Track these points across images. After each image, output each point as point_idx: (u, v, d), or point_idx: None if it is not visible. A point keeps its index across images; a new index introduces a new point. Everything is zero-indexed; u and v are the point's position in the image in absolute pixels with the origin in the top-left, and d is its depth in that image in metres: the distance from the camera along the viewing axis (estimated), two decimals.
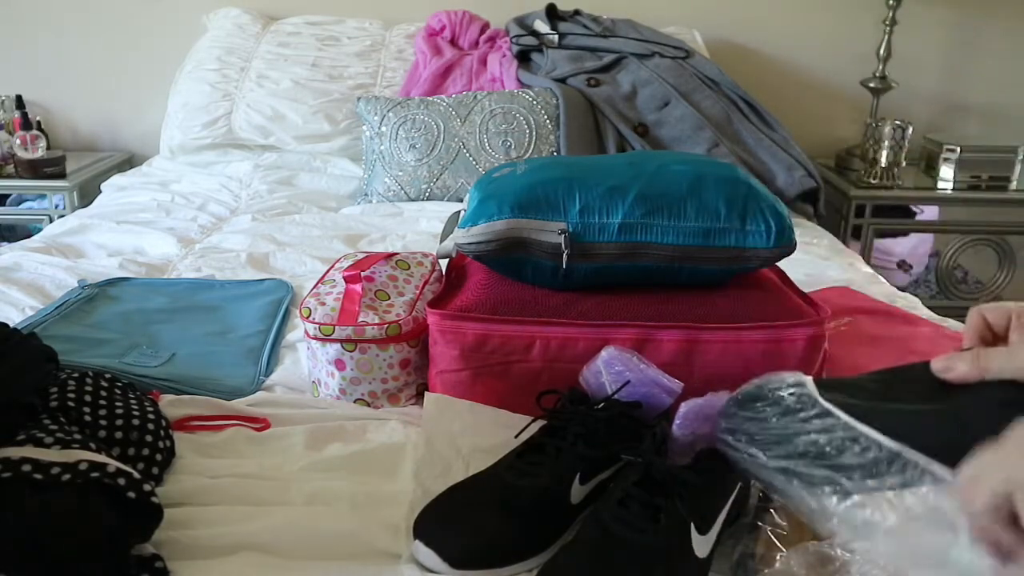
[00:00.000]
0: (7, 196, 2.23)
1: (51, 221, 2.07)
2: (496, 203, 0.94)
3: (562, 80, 2.00)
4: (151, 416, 0.84)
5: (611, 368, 0.79)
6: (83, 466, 0.66)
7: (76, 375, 0.84)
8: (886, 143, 2.18)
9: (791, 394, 0.62)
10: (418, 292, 1.04)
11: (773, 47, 2.46)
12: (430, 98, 1.95)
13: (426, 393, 0.96)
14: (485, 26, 2.27)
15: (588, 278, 0.96)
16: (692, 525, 0.67)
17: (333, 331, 0.96)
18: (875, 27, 2.33)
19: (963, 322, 0.66)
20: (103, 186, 2.03)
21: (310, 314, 0.97)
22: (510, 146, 1.85)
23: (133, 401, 0.85)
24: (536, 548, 0.72)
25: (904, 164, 2.21)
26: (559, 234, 0.92)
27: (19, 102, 2.28)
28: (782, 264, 1.02)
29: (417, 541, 0.72)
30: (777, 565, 0.66)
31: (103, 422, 0.79)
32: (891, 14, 2.28)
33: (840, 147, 2.45)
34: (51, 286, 1.34)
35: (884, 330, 1.18)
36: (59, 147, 2.38)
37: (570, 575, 0.67)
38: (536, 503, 0.74)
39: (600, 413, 0.78)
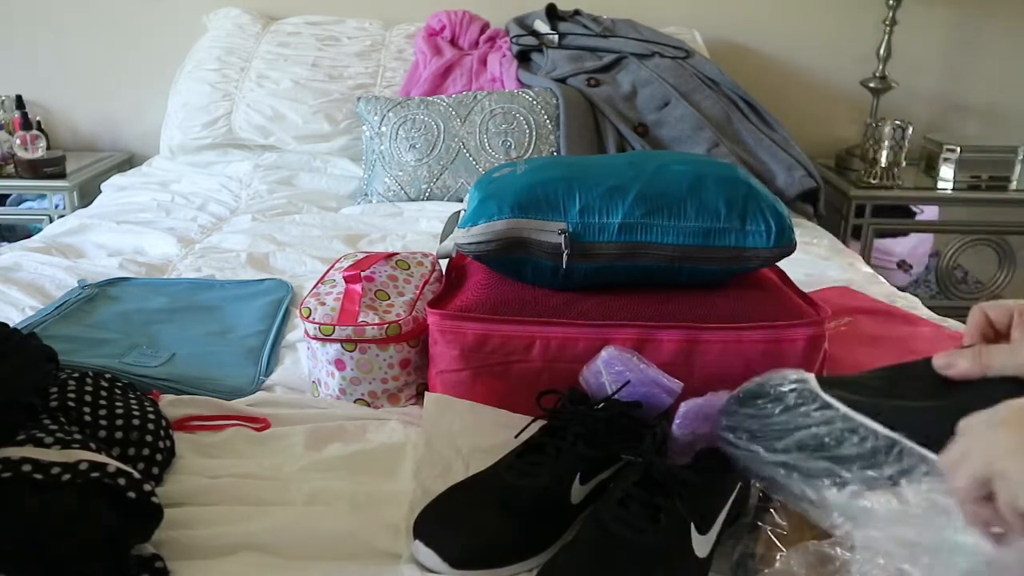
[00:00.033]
0: (7, 196, 2.23)
1: (51, 221, 2.07)
2: (496, 203, 0.94)
3: (562, 80, 2.00)
4: (151, 416, 0.84)
5: (611, 368, 0.79)
6: (83, 466, 0.66)
7: (76, 375, 0.84)
8: (886, 143, 2.18)
9: (792, 390, 0.62)
10: (418, 292, 1.04)
11: (773, 47, 2.46)
12: (430, 98, 1.95)
13: (426, 393, 0.96)
14: (485, 26, 2.27)
15: (588, 278, 0.96)
16: (692, 525, 0.67)
17: (333, 331, 0.96)
18: (875, 27, 2.33)
19: (963, 322, 0.67)
20: (103, 186, 2.03)
21: (310, 314, 0.97)
22: (510, 146, 1.85)
23: (133, 401, 0.85)
24: (536, 548, 0.72)
25: (904, 164, 2.21)
26: (559, 234, 0.92)
27: (19, 102, 2.28)
28: (782, 264, 1.02)
29: (417, 541, 0.72)
30: (777, 565, 0.66)
31: (103, 422, 0.79)
32: (891, 14, 2.28)
33: (840, 147, 2.45)
34: (51, 286, 1.34)
35: (884, 330, 1.18)
36: (59, 147, 2.38)
37: (570, 575, 0.67)
38: (536, 503, 0.74)
39: (600, 413, 0.78)
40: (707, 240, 0.93)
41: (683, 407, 0.69)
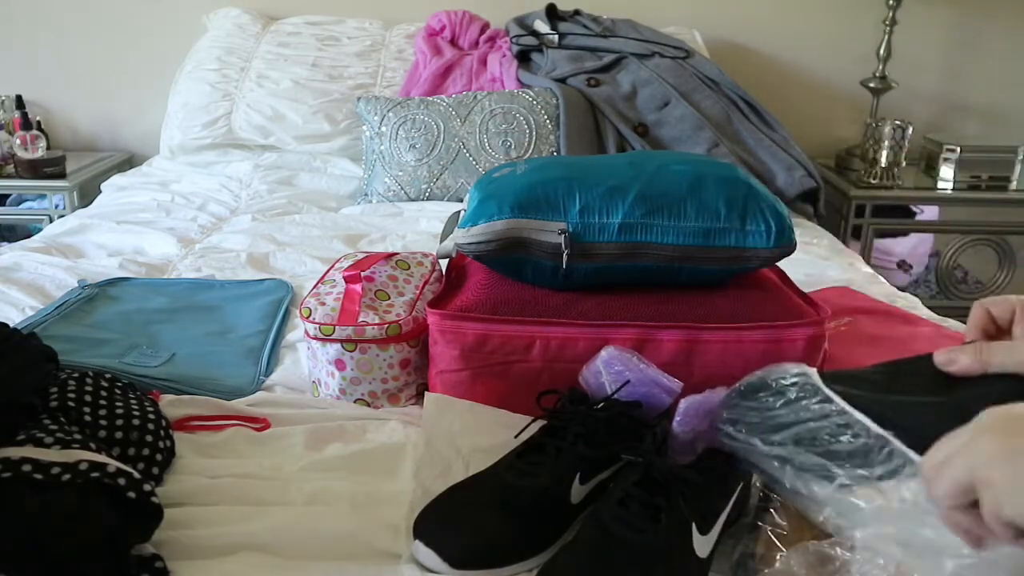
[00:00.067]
0: (7, 196, 2.23)
1: (51, 221, 2.07)
2: (496, 203, 0.94)
3: (562, 80, 2.00)
4: (151, 416, 0.84)
5: (611, 368, 0.79)
6: (83, 466, 0.66)
7: (76, 375, 0.84)
8: (886, 143, 2.18)
9: (794, 384, 0.62)
10: (418, 292, 1.04)
11: (773, 47, 2.46)
12: (430, 98, 1.95)
13: (426, 393, 0.96)
14: (485, 26, 2.27)
15: (588, 278, 0.96)
16: (693, 525, 0.67)
17: (333, 331, 0.96)
18: (875, 27, 2.33)
19: (963, 322, 0.67)
20: (103, 186, 2.03)
21: (310, 314, 0.97)
22: (510, 146, 1.85)
23: (133, 401, 0.85)
24: (536, 548, 0.72)
25: (904, 164, 2.21)
26: (559, 234, 0.92)
27: (19, 102, 2.28)
28: (782, 264, 1.02)
29: (417, 541, 0.72)
30: (777, 565, 0.66)
31: (103, 422, 0.79)
32: (891, 14, 2.28)
33: (840, 147, 2.45)
34: (51, 286, 1.34)
35: (884, 330, 1.18)
36: (59, 147, 2.38)
37: (570, 575, 0.67)
38: (536, 503, 0.74)
39: (600, 413, 0.78)
40: (707, 240, 0.93)
41: (683, 404, 0.69)
